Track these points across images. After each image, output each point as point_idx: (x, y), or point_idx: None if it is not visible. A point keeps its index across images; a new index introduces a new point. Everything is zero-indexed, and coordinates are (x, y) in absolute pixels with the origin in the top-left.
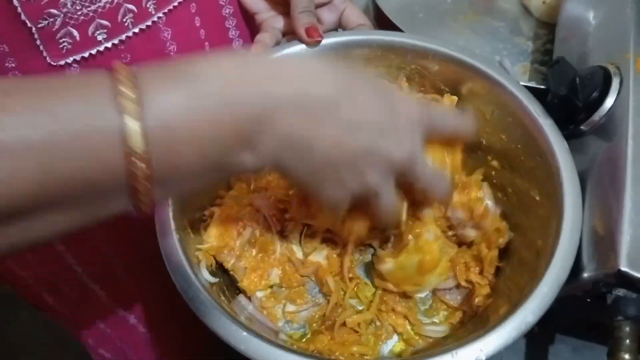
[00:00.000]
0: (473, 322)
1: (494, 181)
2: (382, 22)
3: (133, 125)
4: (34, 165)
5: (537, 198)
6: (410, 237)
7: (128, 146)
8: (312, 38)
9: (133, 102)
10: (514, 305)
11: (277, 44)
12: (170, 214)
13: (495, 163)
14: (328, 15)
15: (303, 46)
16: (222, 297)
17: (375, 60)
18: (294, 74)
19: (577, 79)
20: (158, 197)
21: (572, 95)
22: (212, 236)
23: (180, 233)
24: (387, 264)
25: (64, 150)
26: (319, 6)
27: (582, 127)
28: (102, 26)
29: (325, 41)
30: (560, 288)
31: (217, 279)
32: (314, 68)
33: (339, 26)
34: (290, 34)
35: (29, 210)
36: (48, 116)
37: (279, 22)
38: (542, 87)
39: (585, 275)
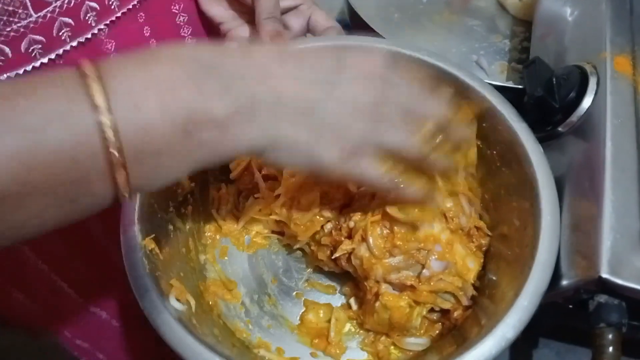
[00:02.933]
0: (453, 335)
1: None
2: (357, 24)
3: (104, 120)
4: (14, 165)
5: (515, 206)
6: (375, 301)
7: (104, 138)
8: None
9: (101, 96)
10: (493, 319)
11: None
12: (137, 235)
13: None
14: (295, 21)
15: None
16: (194, 321)
17: None
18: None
19: (554, 79)
20: (139, 179)
21: (549, 96)
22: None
23: (147, 256)
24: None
25: (44, 151)
26: (284, 12)
27: (559, 129)
28: (36, 41)
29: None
30: (540, 300)
31: (185, 306)
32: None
33: (307, 31)
34: None
35: (15, 195)
36: (23, 130)
37: (244, 31)
38: (520, 86)
39: (566, 282)
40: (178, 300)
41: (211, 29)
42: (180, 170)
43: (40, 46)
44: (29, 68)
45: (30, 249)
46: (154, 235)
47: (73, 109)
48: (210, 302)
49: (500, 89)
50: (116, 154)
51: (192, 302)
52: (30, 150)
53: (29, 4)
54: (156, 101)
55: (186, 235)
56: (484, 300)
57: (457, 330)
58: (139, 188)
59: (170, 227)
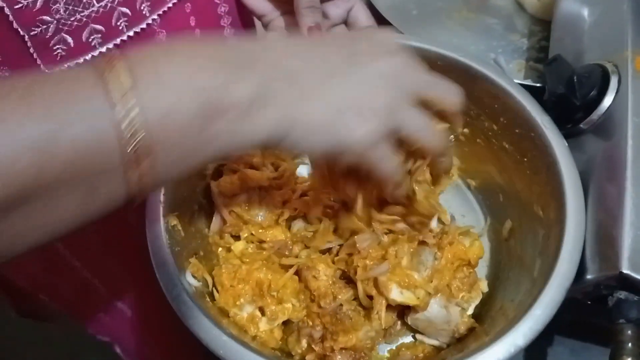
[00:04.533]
0: (466, 338)
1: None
2: (375, 19)
3: (126, 114)
4: (33, 157)
5: (541, 218)
6: None
7: (124, 133)
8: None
9: (124, 90)
10: (506, 326)
11: None
12: (160, 210)
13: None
14: (334, 10)
15: None
16: (207, 298)
17: None
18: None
19: (575, 77)
20: (151, 175)
21: (570, 94)
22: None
23: (169, 231)
24: None
25: (64, 147)
26: (325, 0)
27: (580, 126)
28: (96, 31)
29: None
30: (555, 311)
31: (200, 283)
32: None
33: (346, 22)
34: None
35: (28, 195)
36: (48, 121)
37: (281, 22)
38: (538, 85)
39: (586, 277)
40: (194, 276)
41: (247, 19)
42: (194, 163)
43: (99, 35)
44: (88, 57)
45: (65, 247)
46: (177, 213)
47: (94, 100)
48: None
49: None
50: (133, 147)
51: (209, 280)
52: (50, 139)
53: None
54: (177, 87)
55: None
56: (499, 305)
57: (470, 335)
58: (151, 184)
59: (195, 206)
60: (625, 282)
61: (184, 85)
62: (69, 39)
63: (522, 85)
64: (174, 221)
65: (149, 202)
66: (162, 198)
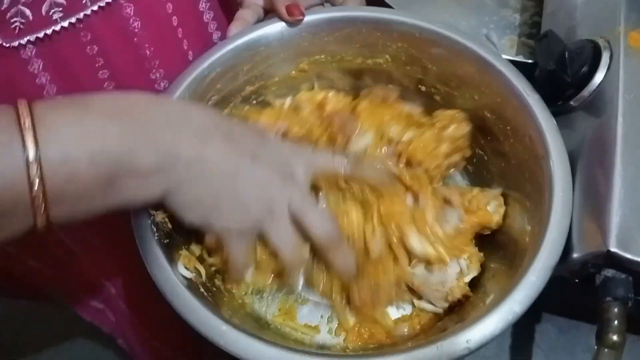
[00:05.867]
0: (461, 309)
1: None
2: None
3: (32, 169)
4: None
5: (527, 185)
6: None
7: (28, 173)
8: (293, 16)
9: (33, 147)
10: (501, 294)
11: (259, 20)
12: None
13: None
14: None
15: (283, 24)
16: (201, 289)
17: (359, 38)
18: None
19: (566, 54)
20: (57, 219)
21: (561, 71)
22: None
23: (155, 222)
24: None
25: None
26: None
27: (571, 103)
28: (57, 4)
29: (307, 19)
30: (549, 277)
31: (194, 274)
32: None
33: (326, 0)
34: (272, 11)
35: None
36: None
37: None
38: (530, 61)
39: (574, 255)
40: (186, 268)
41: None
42: (96, 212)
43: (60, 9)
44: (49, 32)
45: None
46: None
47: (2, 153)
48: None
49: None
50: (40, 199)
51: (202, 271)
52: None
53: None
54: (85, 153)
55: None
56: (491, 274)
57: (466, 304)
58: (57, 225)
59: None
60: (613, 260)
61: (88, 156)
62: (27, 12)
63: (514, 61)
64: (159, 216)
65: None
66: None
